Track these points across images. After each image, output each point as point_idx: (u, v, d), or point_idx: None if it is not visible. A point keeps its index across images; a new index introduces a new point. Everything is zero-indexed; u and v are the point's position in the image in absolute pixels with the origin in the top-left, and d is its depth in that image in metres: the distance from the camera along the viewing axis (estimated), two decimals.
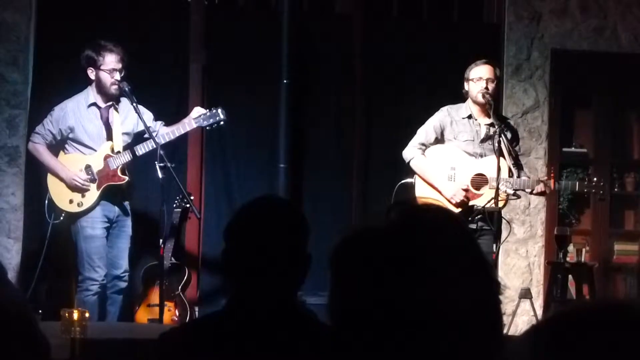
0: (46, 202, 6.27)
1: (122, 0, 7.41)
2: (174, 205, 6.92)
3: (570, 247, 7.19)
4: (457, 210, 6.02)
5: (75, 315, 4.19)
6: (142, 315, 6.67)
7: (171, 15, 7.44)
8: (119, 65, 6.14)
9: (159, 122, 6.38)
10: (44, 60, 7.11)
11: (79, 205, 6.18)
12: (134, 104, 6.03)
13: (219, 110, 6.26)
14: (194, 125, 6.27)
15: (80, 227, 6.19)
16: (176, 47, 7.42)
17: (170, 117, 7.17)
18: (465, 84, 6.22)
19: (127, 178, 6.23)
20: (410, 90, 7.58)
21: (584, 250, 7.32)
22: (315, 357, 2.27)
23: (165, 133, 6.21)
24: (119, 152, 6.21)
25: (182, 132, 6.26)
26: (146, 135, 6.20)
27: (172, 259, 6.89)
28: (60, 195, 6.22)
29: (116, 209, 6.28)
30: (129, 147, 6.27)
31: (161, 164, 5.87)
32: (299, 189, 7.43)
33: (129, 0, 7.46)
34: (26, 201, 7.03)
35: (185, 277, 6.92)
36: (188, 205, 6.57)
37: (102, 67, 6.14)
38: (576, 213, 7.96)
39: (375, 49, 7.65)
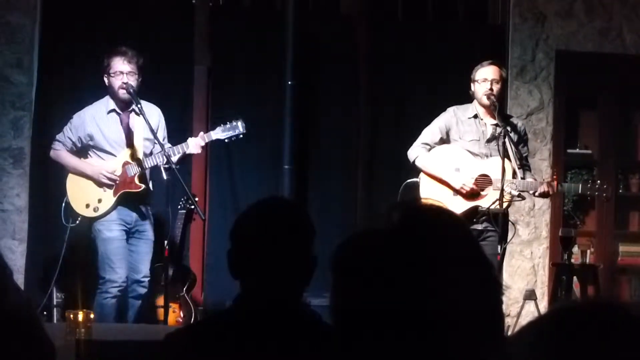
0: (63, 205, 6.27)
1: (127, 3, 7.41)
2: (179, 206, 6.92)
3: (575, 249, 7.19)
4: (463, 204, 6.03)
5: (80, 317, 4.20)
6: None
7: (176, 17, 7.45)
8: (127, 68, 6.10)
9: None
10: (48, 62, 7.12)
11: (95, 210, 6.17)
12: (138, 106, 6.01)
13: (239, 123, 6.23)
14: (213, 138, 6.23)
15: (97, 231, 6.18)
16: (181, 48, 7.42)
17: (174, 118, 7.19)
18: (472, 85, 6.21)
19: (143, 186, 6.19)
20: (414, 91, 7.59)
21: (588, 251, 7.32)
22: (319, 359, 2.27)
23: (178, 147, 6.15)
24: (138, 159, 6.19)
25: (202, 143, 6.19)
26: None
27: (177, 260, 6.89)
28: (77, 199, 6.22)
29: (134, 214, 6.24)
30: (152, 153, 6.24)
31: (166, 166, 5.87)
32: (304, 191, 7.44)
33: (134, 2, 7.47)
34: (31, 203, 7.04)
35: (190, 279, 6.92)
36: (193, 207, 6.57)
37: (111, 73, 6.13)
38: (581, 214, 7.96)
39: (380, 50, 7.66)
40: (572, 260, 7.04)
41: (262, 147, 7.43)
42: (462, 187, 6.10)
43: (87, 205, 6.19)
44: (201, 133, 6.28)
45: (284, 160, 7.21)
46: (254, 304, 2.44)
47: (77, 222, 6.22)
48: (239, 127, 6.24)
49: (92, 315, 4.33)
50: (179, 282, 6.83)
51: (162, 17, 7.40)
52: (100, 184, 6.17)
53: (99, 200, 6.18)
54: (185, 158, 6.27)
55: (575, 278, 7.15)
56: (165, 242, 6.07)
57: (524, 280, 7.63)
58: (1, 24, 7.08)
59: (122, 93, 6.11)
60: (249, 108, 7.37)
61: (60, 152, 6.27)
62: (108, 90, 6.20)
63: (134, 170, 6.17)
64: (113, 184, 6.15)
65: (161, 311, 6.16)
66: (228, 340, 2.40)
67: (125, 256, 6.20)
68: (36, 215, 7.01)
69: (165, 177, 5.86)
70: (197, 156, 7.32)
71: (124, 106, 6.22)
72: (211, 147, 7.42)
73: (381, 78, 7.64)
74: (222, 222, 7.05)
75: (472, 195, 6.12)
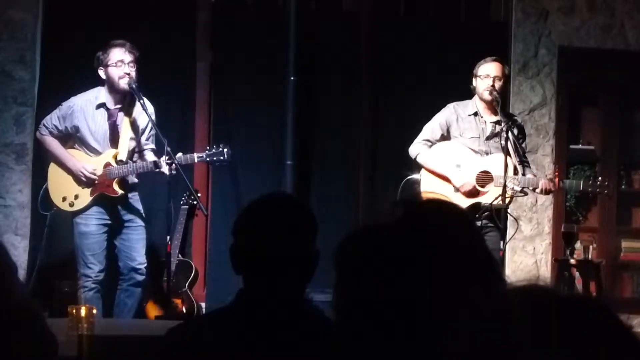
0: (42, 191, 6.29)
1: None
2: (181, 202, 6.93)
3: (578, 245, 7.19)
4: (465, 201, 6.03)
5: (83, 312, 4.21)
6: (150, 312, 6.69)
7: (178, 13, 7.44)
8: (128, 58, 6.04)
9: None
10: (51, 58, 7.12)
11: (70, 205, 6.17)
12: (141, 101, 5.99)
13: (225, 150, 6.12)
14: (196, 161, 6.13)
15: (75, 223, 6.17)
16: (183, 45, 7.42)
17: (177, 115, 7.20)
18: (473, 80, 6.21)
19: (121, 192, 6.14)
20: (416, 87, 7.58)
21: (591, 247, 7.31)
22: (321, 354, 2.28)
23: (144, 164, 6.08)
24: (121, 161, 6.15)
25: (183, 163, 6.04)
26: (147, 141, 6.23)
27: (179, 255, 6.91)
28: (55, 190, 6.22)
29: (114, 210, 6.23)
30: (133, 152, 6.23)
31: (169, 161, 5.86)
32: (306, 186, 7.43)
33: None
34: (33, 198, 7.04)
35: (192, 274, 6.93)
36: (195, 202, 6.58)
37: (109, 63, 6.08)
38: (583, 210, 7.96)
39: (382, 47, 7.65)
40: (575, 256, 7.04)
41: (264, 142, 7.43)
42: (462, 187, 6.11)
43: (64, 199, 6.18)
44: (179, 154, 6.07)
45: (286, 155, 7.21)
46: (256, 300, 2.44)
47: (53, 211, 6.25)
48: (225, 154, 6.11)
49: (94, 311, 4.34)
50: (181, 277, 6.84)
51: (164, 13, 7.39)
52: (79, 181, 6.16)
53: (76, 196, 6.16)
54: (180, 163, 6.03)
55: (577, 274, 7.15)
56: (168, 237, 6.06)
57: (526, 276, 7.60)
58: (3, 19, 7.08)
59: (123, 83, 6.03)
60: (251, 104, 7.38)
61: (46, 138, 6.25)
62: (105, 83, 6.13)
63: (115, 173, 6.12)
64: (91, 184, 6.14)
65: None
66: (230, 335, 2.40)
67: (102, 251, 6.17)
68: (38, 211, 7.01)
69: (167, 172, 5.85)
70: (199, 152, 7.32)
71: (117, 100, 6.15)
72: (214, 143, 7.41)
73: (383, 75, 7.63)
74: (225, 218, 7.05)
75: (473, 192, 6.14)
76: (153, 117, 6.16)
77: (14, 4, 7.08)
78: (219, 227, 7.16)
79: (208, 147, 6.24)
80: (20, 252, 6.95)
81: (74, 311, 4.25)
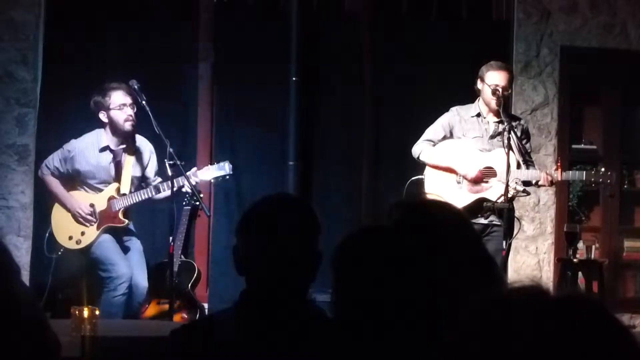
0: (47, 235, 6.36)
1: None
2: (184, 203, 6.91)
3: (580, 244, 7.19)
4: (470, 196, 6.04)
5: (86, 313, 4.21)
6: (152, 313, 6.68)
7: (180, 14, 7.44)
8: (128, 100, 6.12)
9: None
10: (53, 58, 7.12)
11: (77, 242, 6.26)
12: (143, 102, 5.99)
13: (226, 165, 6.19)
14: (199, 178, 6.16)
15: None
16: (185, 45, 7.42)
17: (179, 116, 7.19)
18: (480, 83, 6.20)
19: (127, 221, 6.28)
20: (419, 88, 7.57)
21: (593, 247, 7.31)
22: (323, 354, 2.28)
23: (165, 184, 6.10)
24: (124, 194, 6.25)
25: (188, 184, 6.05)
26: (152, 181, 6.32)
27: (182, 256, 6.89)
28: (61, 231, 6.32)
29: (118, 231, 6.35)
30: (140, 189, 6.30)
31: (171, 162, 5.87)
32: (309, 187, 7.43)
33: None
34: (36, 199, 7.05)
35: (195, 275, 6.92)
36: (197, 203, 6.56)
37: (111, 107, 6.14)
38: (586, 210, 7.95)
39: (384, 47, 7.64)
40: (577, 256, 7.04)
41: (266, 143, 7.43)
42: (466, 174, 6.11)
43: (70, 238, 6.29)
44: (194, 169, 6.17)
45: (288, 156, 7.22)
46: (259, 300, 2.44)
47: (60, 253, 6.30)
48: (226, 168, 6.20)
49: (97, 312, 4.34)
50: (183, 278, 6.83)
51: (166, 13, 7.38)
52: (76, 221, 6.24)
53: (82, 233, 6.27)
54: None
55: (580, 273, 7.14)
56: (170, 238, 6.07)
57: (529, 276, 7.62)
58: (5, 20, 7.08)
59: (128, 125, 6.15)
60: (254, 104, 7.37)
61: (47, 177, 6.37)
62: (107, 127, 6.21)
63: (119, 204, 6.23)
64: (87, 224, 6.23)
65: (166, 307, 6.16)
66: (233, 336, 2.40)
67: (120, 252, 6.26)
68: (40, 212, 7.01)
69: (170, 173, 5.86)
70: (202, 153, 7.33)
71: (121, 141, 6.25)
72: (216, 144, 7.42)
73: (385, 74, 7.63)
74: (227, 219, 7.05)
75: (476, 186, 6.13)
76: (152, 157, 6.34)
77: (15, 4, 7.08)
78: (222, 228, 7.16)
79: (209, 164, 6.31)
80: (22, 254, 6.95)
81: (77, 312, 4.25)
